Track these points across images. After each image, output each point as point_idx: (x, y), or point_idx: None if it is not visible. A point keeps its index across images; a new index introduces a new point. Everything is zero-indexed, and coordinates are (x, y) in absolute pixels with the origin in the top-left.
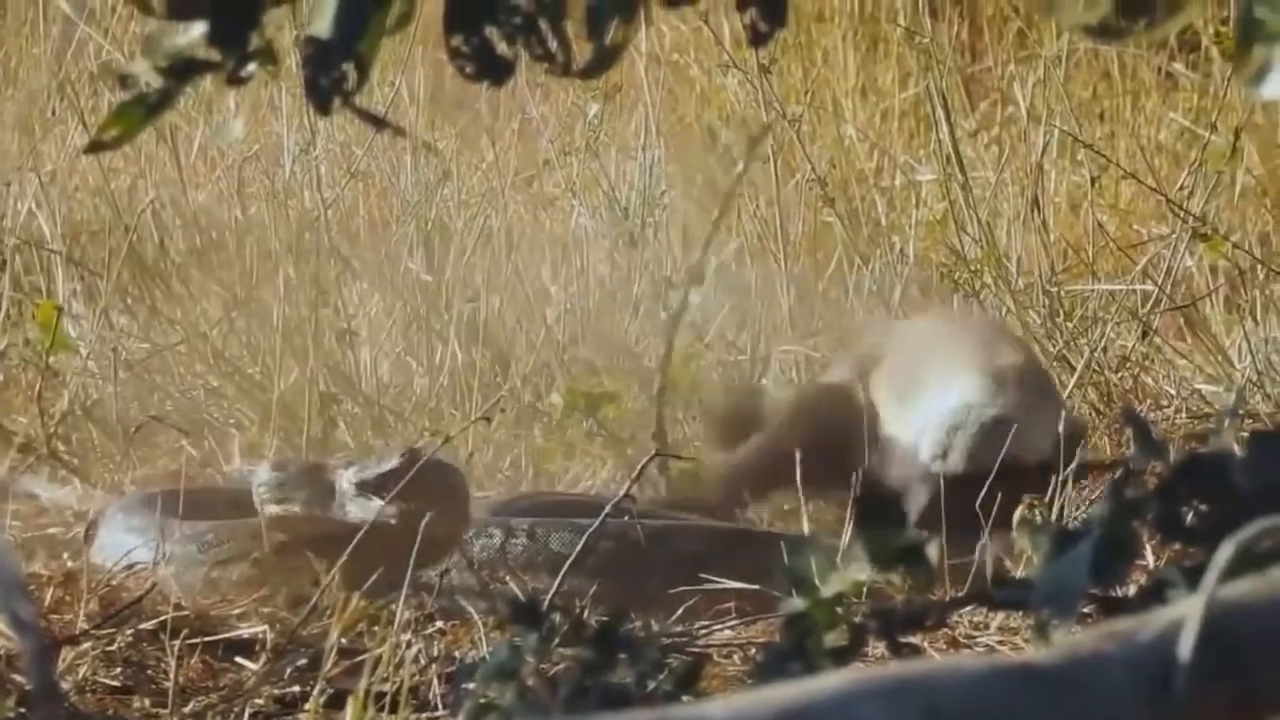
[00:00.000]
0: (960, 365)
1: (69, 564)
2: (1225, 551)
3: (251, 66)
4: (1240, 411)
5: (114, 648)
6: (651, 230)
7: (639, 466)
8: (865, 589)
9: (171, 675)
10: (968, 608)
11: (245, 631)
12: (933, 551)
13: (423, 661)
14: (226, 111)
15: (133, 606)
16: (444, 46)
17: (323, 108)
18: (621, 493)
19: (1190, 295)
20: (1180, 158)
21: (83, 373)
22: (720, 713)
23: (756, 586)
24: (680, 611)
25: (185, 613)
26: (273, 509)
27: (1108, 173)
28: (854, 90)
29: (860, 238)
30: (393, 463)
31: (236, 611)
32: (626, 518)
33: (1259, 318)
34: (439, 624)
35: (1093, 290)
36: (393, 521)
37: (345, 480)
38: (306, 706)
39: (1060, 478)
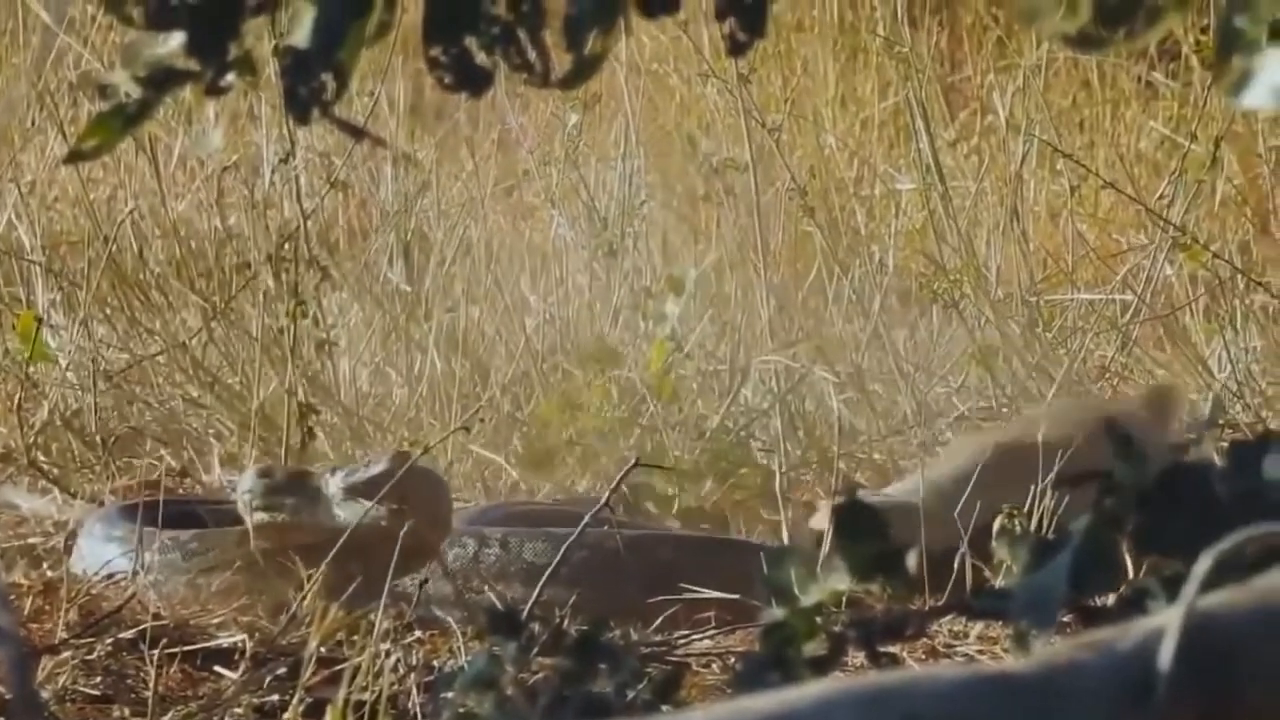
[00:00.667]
0: None
1: (49, 573)
2: (1205, 561)
3: (230, 76)
4: (1220, 421)
5: (93, 657)
6: (631, 240)
7: (618, 476)
8: (845, 598)
9: (151, 684)
10: (947, 617)
11: (224, 641)
12: (912, 561)
13: (402, 671)
14: (206, 121)
15: (112, 616)
16: (423, 57)
17: (302, 118)
18: (601, 502)
19: (1170, 305)
20: (1160, 167)
21: (62, 383)
22: None
23: (735, 596)
24: (660, 621)
25: (165, 622)
26: (259, 516)
27: (1087, 182)
28: (833, 100)
29: (840, 247)
30: (381, 466)
31: (216, 620)
32: (605, 527)
33: (1239, 327)
34: (418, 633)
35: (1072, 300)
36: (383, 523)
37: (333, 485)
38: (286, 716)
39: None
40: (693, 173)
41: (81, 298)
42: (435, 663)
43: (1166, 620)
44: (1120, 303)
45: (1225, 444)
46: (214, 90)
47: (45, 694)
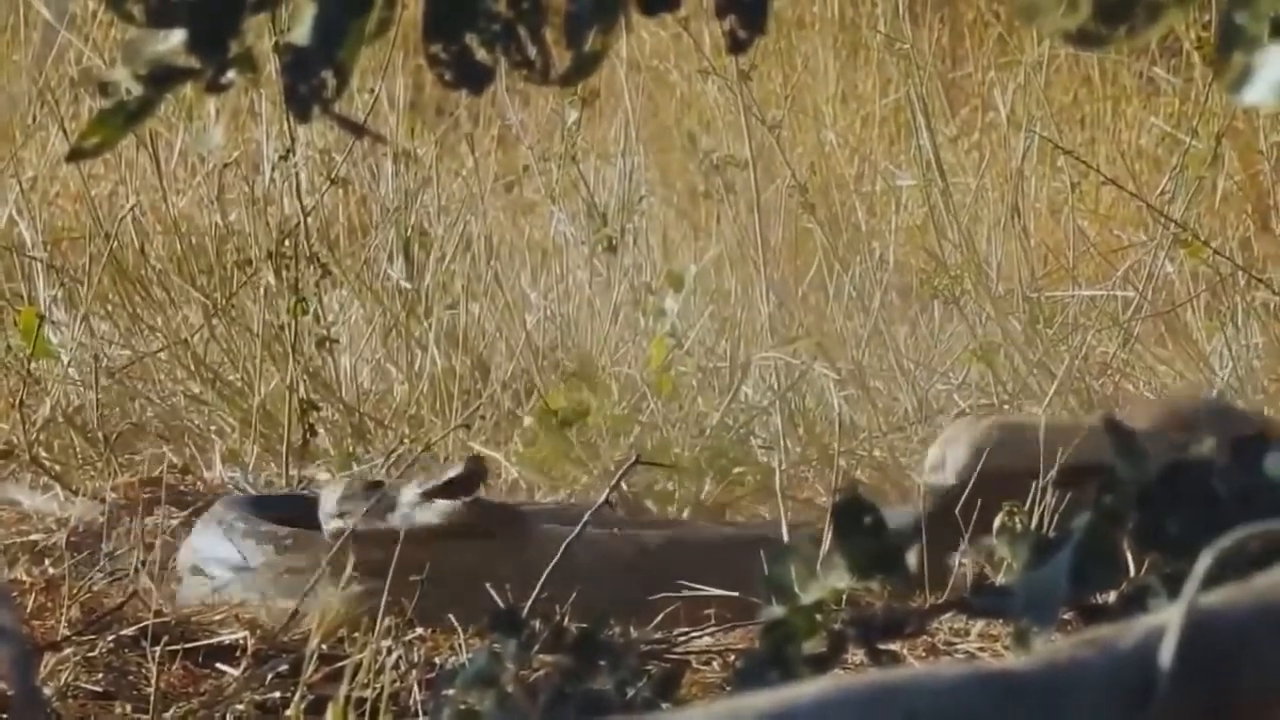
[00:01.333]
0: None
1: (50, 570)
2: (1206, 558)
3: (231, 74)
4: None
5: (95, 654)
6: (631, 236)
7: (618, 474)
8: (845, 596)
9: (153, 681)
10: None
11: (226, 637)
12: (913, 559)
13: (403, 668)
14: (207, 118)
15: (114, 613)
16: (423, 53)
17: (302, 115)
18: (600, 499)
19: (1171, 301)
20: (1161, 163)
21: (64, 379)
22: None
23: (735, 593)
24: (660, 618)
25: (166, 619)
26: (335, 524)
27: (1088, 178)
28: (834, 96)
29: (840, 243)
30: (457, 470)
31: (218, 617)
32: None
33: (1240, 324)
34: (419, 630)
35: (1073, 296)
36: (463, 522)
37: (408, 494)
38: (287, 713)
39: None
40: (693, 169)
41: (83, 294)
42: (436, 660)
43: (1168, 618)
44: (1121, 299)
45: (1227, 440)
46: (215, 88)
47: (47, 691)
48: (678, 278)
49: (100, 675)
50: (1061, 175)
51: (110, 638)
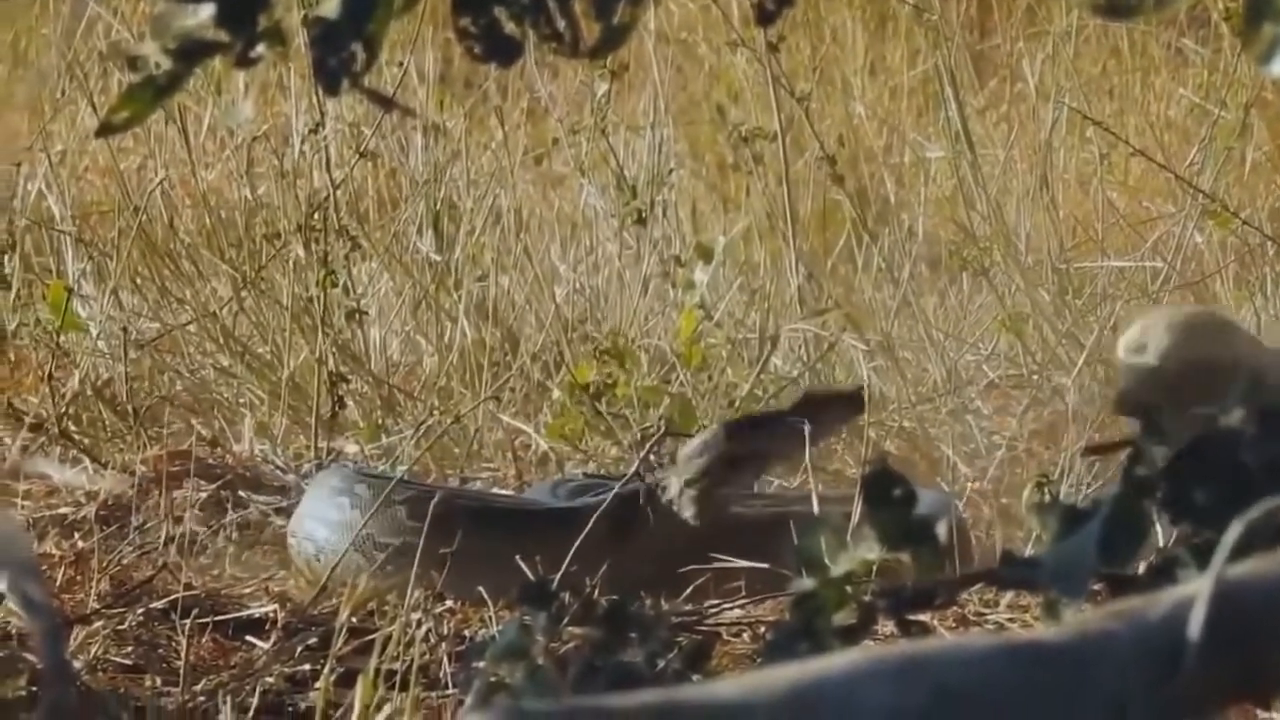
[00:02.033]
0: None
1: (80, 544)
2: (1235, 529)
3: (260, 47)
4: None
5: (125, 627)
6: (660, 209)
7: (648, 445)
8: (874, 568)
9: (182, 654)
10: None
11: (256, 611)
12: (943, 530)
13: (433, 640)
14: (236, 92)
15: (143, 586)
16: (452, 27)
17: (331, 88)
18: (630, 471)
19: (1200, 272)
20: (1190, 134)
21: (93, 353)
22: (730, 692)
23: (765, 565)
24: (689, 590)
25: (196, 592)
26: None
27: (1117, 149)
28: (863, 68)
29: (869, 215)
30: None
31: (247, 590)
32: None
33: (1269, 294)
34: (449, 603)
35: (1102, 267)
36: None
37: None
38: (317, 685)
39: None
40: (721, 141)
41: (112, 267)
42: (466, 632)
43: (1197, 589)
44: (1150, 270)
45: (1256, 411)
46: (244, 62)
47: (77, 664)
48: (707, 250)
49: (130, 648)
50: (1090, 146)
51: (140, 611)
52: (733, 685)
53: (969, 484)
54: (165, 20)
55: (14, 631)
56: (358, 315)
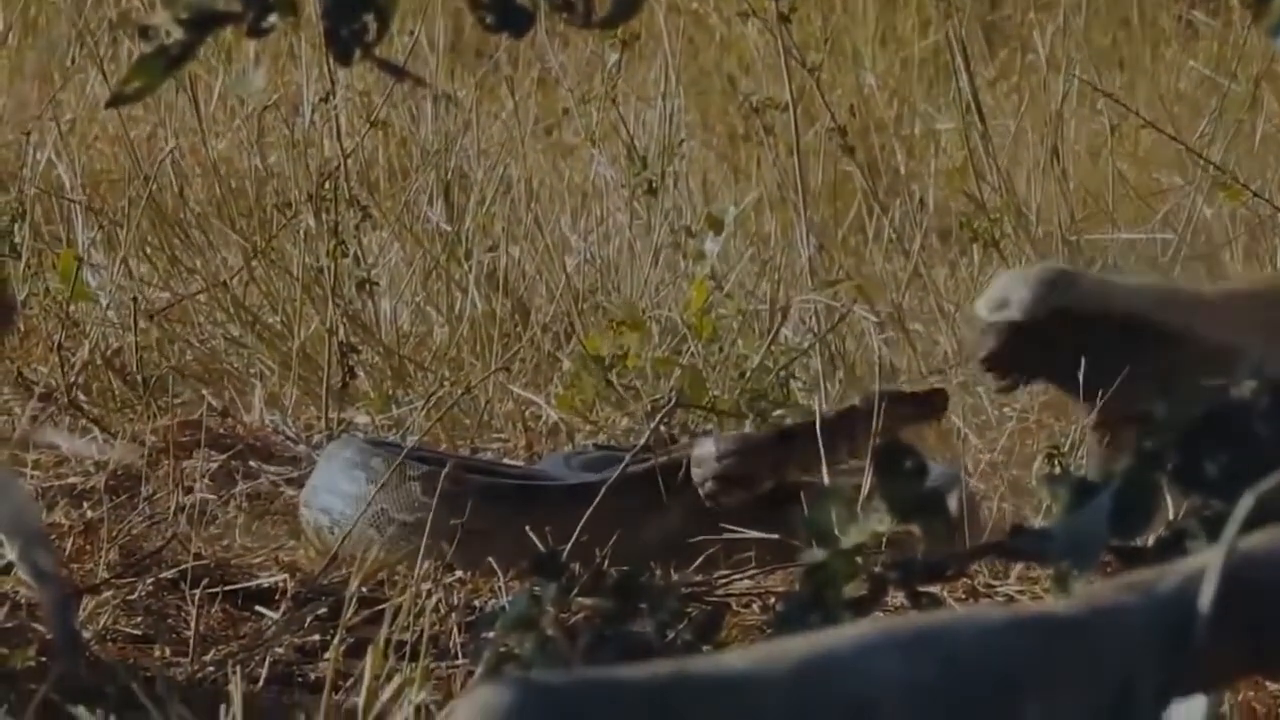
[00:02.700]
0: None
1: (89, 514)
2: (1245, 502)
3: (272, 17)
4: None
5: (134, 597)
6: (671, 179)
7: (658, 416)
8: (885, 539)
9: (192, 624)
10: (987, 557)
11: (265, 581)
12: (953, 502)
13: (443, 611)
14: (247, 61)
15: (153, 556)
16: None
17: (343, 57)
18: (640, 442)
19: (1210, 244)
20: (1200, 106)
21: (103, 322)
22: (740, 663)
23: (776, 536)
24: (700, 560)
25: (205, 562)
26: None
27: (1127, 121)
28: (873, 38)
29: (880, 186)
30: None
31: (257, 560)
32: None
33: (1279, 266)
34: (458, 573)
35: (1112, 239)
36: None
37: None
38: (326, 655)
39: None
40: (732, 112)
41: (122, 237)
42: (476, 603)
43: (1207, 561)
44: (1160, 242)
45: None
46: (256, 31)
47: (87, 634)
48: (717, 220)
49: (139, 618)
50: (1100, 118)
51: (149, 581)
52: (743, 656)
53: (980, 456)
54: None
55: (24, 601)
56: (368, 285)
